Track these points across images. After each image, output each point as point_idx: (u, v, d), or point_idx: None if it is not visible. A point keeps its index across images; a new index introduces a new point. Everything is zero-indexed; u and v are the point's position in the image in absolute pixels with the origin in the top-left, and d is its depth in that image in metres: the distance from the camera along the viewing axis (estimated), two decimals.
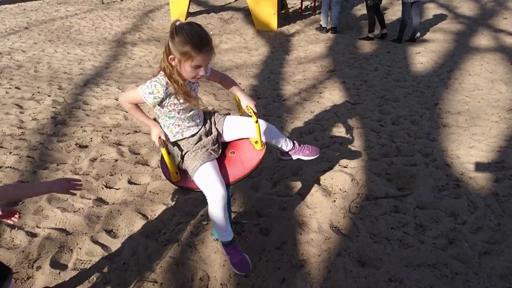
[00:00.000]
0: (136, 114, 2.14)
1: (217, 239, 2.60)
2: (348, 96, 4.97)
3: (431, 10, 9.84)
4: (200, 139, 2.18)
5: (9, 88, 5.36)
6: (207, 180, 2.01)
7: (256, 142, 2.25)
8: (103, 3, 11.55)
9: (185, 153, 2.13)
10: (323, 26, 8.36)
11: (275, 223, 2.74)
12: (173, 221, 2.84)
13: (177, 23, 1.87)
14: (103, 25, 9.16)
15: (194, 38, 1.81)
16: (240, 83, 5.28)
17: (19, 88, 5.36)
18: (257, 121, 2.14)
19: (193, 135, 2.18)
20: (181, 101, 2.04)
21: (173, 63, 1.90)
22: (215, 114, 2.32)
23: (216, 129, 2.26)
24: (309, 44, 7.44)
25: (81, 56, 6.96)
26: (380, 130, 4.05)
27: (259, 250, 2.53)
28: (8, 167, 3.50)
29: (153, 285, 2.31)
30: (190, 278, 2.35)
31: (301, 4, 9.73)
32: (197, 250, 2.55)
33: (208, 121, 2.27)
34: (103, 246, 2.61)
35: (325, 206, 2.92)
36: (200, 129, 2.21)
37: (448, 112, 4.43)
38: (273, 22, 8.42)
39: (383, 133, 3.98)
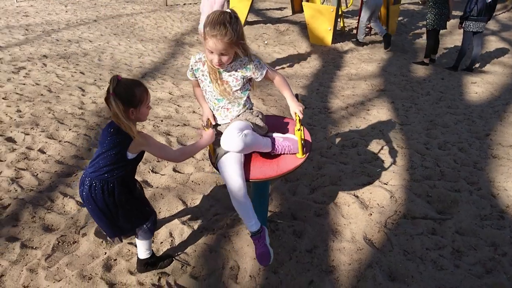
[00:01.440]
0: (197, 93, 2.34)
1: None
2: (396, 116, 4.93)
3: (493, 42, 9.52)
4: None
5: (75, 72, 5.78)
6: (226, 170, 2.05)
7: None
8: (166, 5, 12.12)
9: (216, 138, 2.18)
10: (360, 41, 8.46)
11: (309, 227, 2.78)
12: (210, 211, 2.95)
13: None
14: (164, 25, 9.61)
15: (209, 21, 1.88)
16: None
17: (83, 73, 5.77)
18: (299, 129, 2.09)
19: (225, 124, 2.25)
20: (208, 81, 2.14)
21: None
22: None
23: None
24: (362, 63, 7.43)
25: (142, 51, 7.35)
26: (425, 153, 3.98)
27: (290, 250, 2.58)
28: (66, 141, 3.77)
29: (186, 267, 2.42)
30: (221, 266, 2.44)
31: (358, 23, 9.71)
32: (231, 241, 2.63)
33: None
34: None
35: (361, 218, 2.92)
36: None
37: (499, 144, 4.28)
38: (328, 37, 8.48)
39: (428, 156, 3.91)
